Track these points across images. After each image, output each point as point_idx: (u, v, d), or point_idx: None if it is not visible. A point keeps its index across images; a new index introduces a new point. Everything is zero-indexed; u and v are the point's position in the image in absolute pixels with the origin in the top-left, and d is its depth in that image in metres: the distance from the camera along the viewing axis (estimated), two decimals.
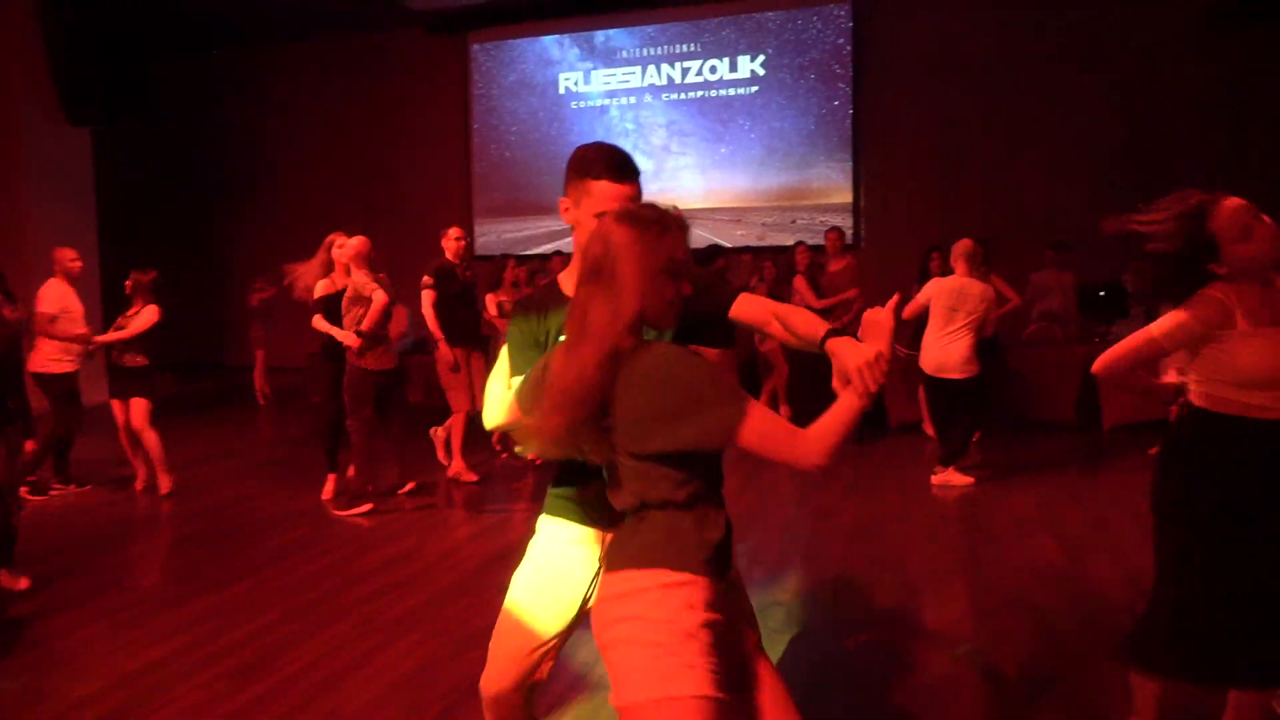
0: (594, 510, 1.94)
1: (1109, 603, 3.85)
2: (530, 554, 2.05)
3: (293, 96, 13.30)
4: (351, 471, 5.66)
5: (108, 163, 12.03)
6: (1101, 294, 7.80)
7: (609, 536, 1.83)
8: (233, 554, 4.75)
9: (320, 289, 5.60)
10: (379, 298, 5.28)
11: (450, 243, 6.09)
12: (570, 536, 1.99)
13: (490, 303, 7.17)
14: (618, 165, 1.97)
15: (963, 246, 5.91)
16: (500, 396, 1.95)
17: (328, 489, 5.80)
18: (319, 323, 5.48)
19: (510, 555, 4.60)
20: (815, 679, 3.16)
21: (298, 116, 13.30)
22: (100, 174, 11.66)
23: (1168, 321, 2.33)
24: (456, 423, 6.23)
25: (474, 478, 6.25)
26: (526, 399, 1.73)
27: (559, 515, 2.01)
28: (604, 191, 1.94)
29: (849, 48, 11.11)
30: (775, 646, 3.43)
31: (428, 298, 5.92)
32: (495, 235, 12.49)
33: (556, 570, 1.99)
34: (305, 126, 13.29)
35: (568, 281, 2.02)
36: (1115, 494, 5.64)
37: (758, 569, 4.43)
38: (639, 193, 2.00)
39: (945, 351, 5.77)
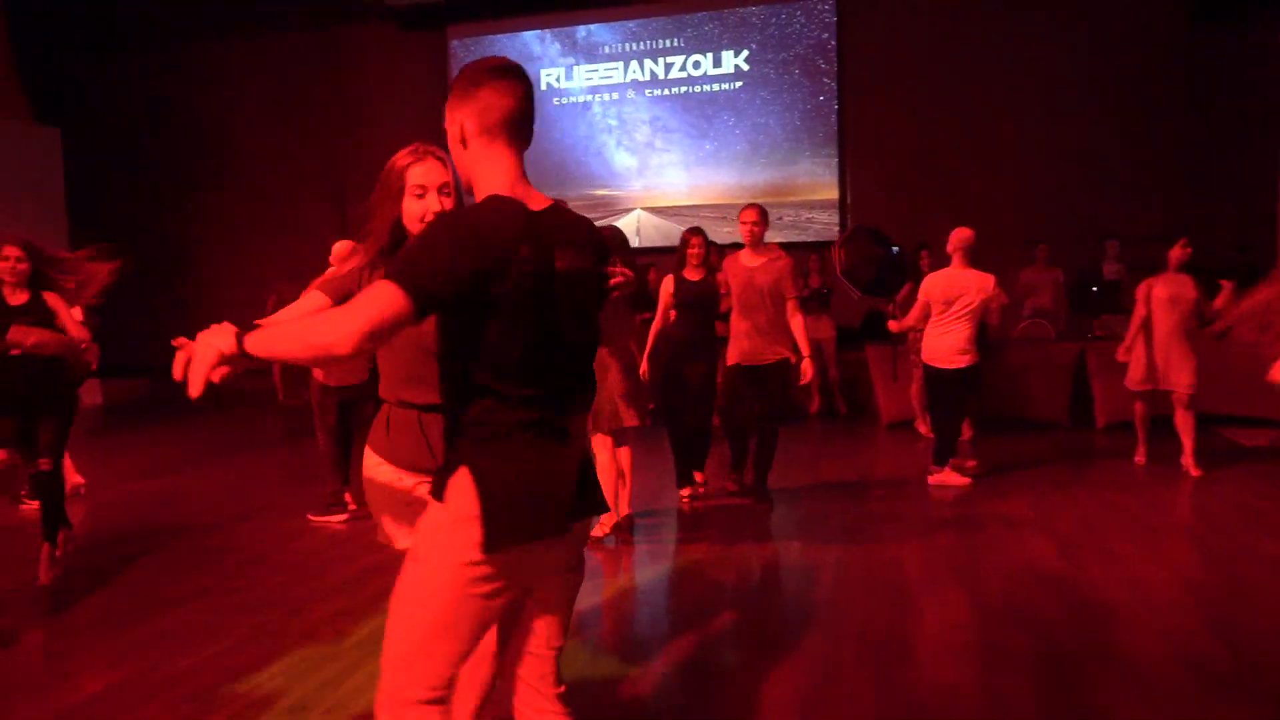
0: None
1: (1109, 609, 3.70)
2: None
3: (264, 94, 13.01)
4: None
5: (77, 161, 11.76)
6: (1094, 290, 7.69)
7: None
8: (192, 569, 4.55)
9: None
10: None
11: None
12: None
13: None
14: None
15: (960, 237, 5.78)
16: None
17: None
18: None
19: None
20: (812, 688, 3.00)
21: (268, 115, 13.02)
22: (70, 172, 11.39)
23: None
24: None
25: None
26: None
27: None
28: None
29: (833, 42, 10.97)
30: (768, 657, 3.27)
31: None
32: None
33: None
34: (275, 125, 13.00)
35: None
36: (1107, 495, 5.51)
37: (747, 576, 4.27)
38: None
39: (940, 340, 5.71)
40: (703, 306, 5.36)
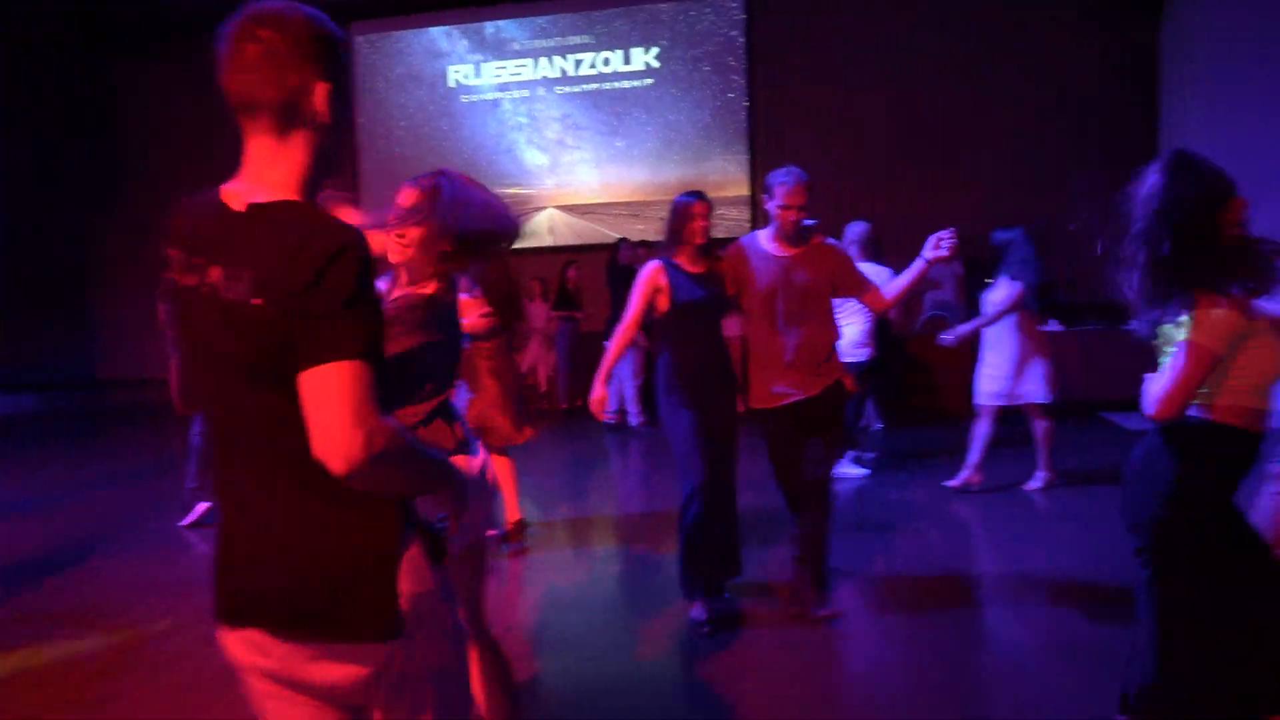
0: None
1: (994, 599, 3.77)
2: None
3: (179, 99, 12.47)
4: None
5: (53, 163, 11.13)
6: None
7: None
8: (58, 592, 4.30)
9: None
10: None
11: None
12: None
13: None
14: None
15: (854, 231, 5.87)
16: None
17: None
18: None
19: None
20: (693, 691, 2.97)
21: (182, 120, 12.48)
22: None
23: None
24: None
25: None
26: None
27: None
28: None
29: (742, 40, 11.03)
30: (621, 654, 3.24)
31: None
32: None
33: None
34: (191, 130, 12.48)
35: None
36: (1004, 485, 5.64)
37: (636, 578, 4.23)
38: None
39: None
40: (711, 313, 3.62)
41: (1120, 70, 9.64)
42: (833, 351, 3.62)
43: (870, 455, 6.24)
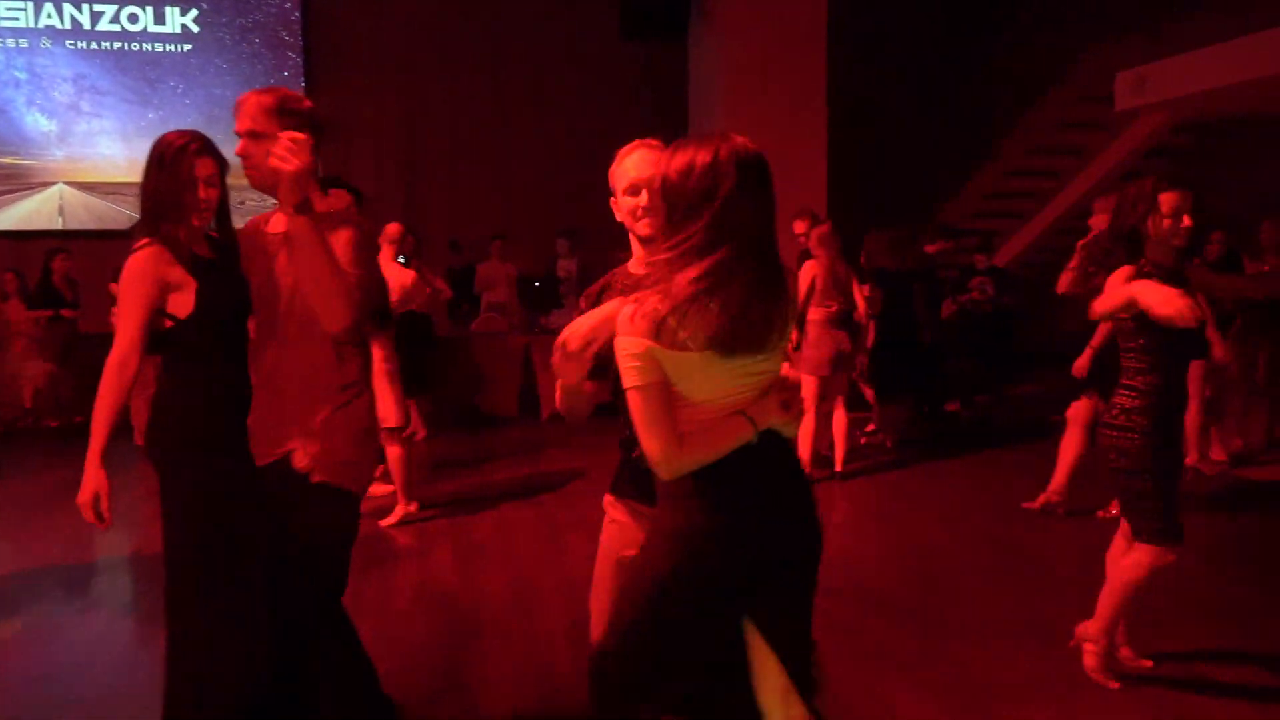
0: None
1: (484, 623, 3.67)
2: None
3: None
4: None
5: None
6: (537, 285, 8.04)
7: None
8: None
9: None
10: None
11: None
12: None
13: None
14: None
15: (384, 232, 5.55)
16: None
17: None
18: None
19: None
20: None
21: None
22: None
23: None
24: None
25: None
26: None
27: None
28: None
29: (297, 14, 10.18)
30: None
31: None
32: None
33: None
34: None
35: None
36: (521, 496, 5.67)
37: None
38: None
39: None
40: (241, 322, 2.42)
41: (654, 86, 10.39)
42: (319, 393, 2.24)
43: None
